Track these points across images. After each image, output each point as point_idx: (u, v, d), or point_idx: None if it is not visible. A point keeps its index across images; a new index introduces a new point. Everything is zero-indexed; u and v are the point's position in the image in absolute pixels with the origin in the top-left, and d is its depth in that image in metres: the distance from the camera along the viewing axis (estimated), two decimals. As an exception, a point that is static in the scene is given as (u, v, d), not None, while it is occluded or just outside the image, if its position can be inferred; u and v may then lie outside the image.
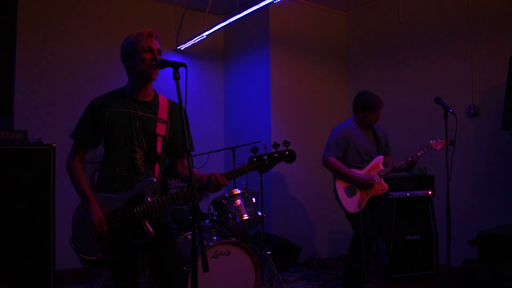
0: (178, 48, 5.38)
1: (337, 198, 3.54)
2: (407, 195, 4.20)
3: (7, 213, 3.25)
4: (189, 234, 3.44)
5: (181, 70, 1.95)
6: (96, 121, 2.09)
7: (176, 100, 1.93)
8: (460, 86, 4.46)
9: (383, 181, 3.50)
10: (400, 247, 4.11)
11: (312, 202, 5.21)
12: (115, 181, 2.07)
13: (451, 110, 3.53)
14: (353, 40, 5.71)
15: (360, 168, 3.54)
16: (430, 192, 4.27)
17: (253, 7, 4.18)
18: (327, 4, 5.50)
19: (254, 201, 3.63)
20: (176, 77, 1.91)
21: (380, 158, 3.55)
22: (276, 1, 4.07)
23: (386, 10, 5.23)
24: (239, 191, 3.54)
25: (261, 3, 4.06)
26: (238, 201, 3.49)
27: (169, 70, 1.98)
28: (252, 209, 3.52)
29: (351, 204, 3.47)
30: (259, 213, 3.61)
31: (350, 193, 3.50)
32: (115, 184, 2.07)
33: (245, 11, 4.28)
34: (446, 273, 3.72)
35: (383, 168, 3.50)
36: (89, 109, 2.12)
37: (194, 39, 5.04)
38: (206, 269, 1.78)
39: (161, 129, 2.13)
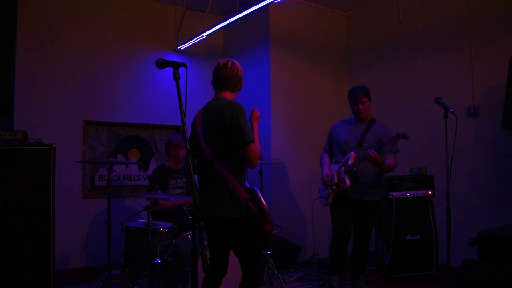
0: (178, 48, 5.38)
1: (319, 190, 3.81)
2: (407, 195, 4.21)
3: (7, 213, 3.25)
4: (189, 234, 3.43)
5: (181, 70, 1.96)
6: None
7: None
8: (460, 86, 4.46)
9: (346, 178, 3.51)
10: (400, 247, 4.11)
11: (312, 202, 5.20)
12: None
13: (451, 110, 3.53)
14: (353, 40, 5.71)
15: (339, 162, 3.70)
16: (430, 192, 4.27)
17: (253, 7, 4.17)
18: (327, 4, 5.50)
19: (254, 201, 3.63)
20: (176, 77, 1.93)
21: (350, 155, 3.55)
22: (276, 1, 4.07)
23: (386, 10, 5.23)
24: (239, 191, 3.53)
25: (261, 3, 4.05)
26: (238, 201, 3.48)
27: (169, 70, 1.99)
28: (252, 209, 3.51)
29: (323, 196, 3.75)
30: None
31: (325, 187, 3.73)
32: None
33: (245, 11, 4.28)
34: (446, 273, 3.72)
35: (349, 164, 3.54)
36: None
37: (194, 39, 5.04)
38: (206, 269, 1.79)
39: None
